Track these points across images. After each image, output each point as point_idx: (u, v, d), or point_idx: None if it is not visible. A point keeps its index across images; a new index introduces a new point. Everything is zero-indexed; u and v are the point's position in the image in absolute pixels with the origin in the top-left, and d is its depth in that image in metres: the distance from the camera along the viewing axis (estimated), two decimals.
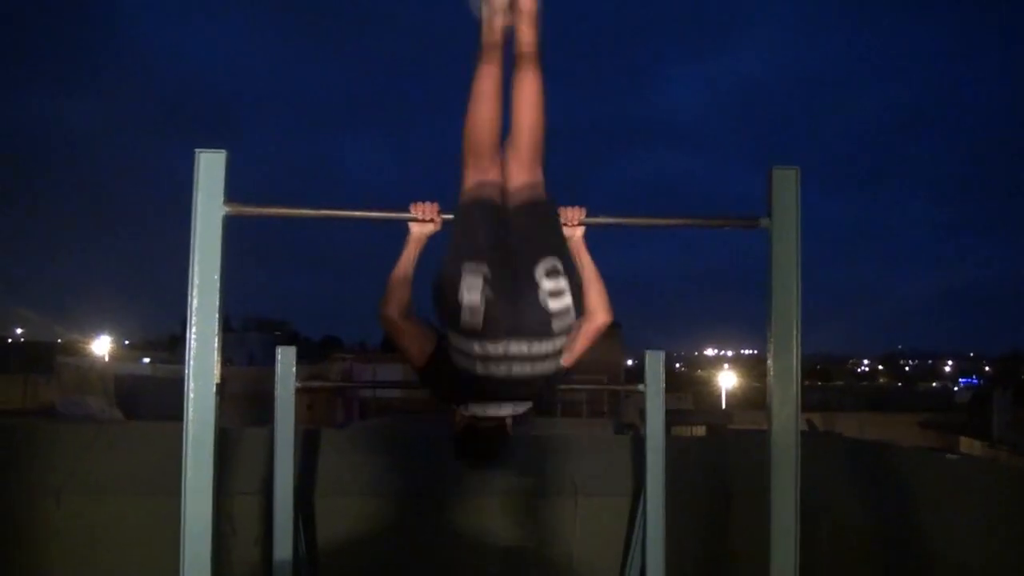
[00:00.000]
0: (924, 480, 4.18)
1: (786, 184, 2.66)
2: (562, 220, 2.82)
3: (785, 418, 2.58)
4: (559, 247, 2.62)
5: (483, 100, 2.65)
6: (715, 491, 4.72)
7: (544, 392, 2.77)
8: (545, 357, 2.56)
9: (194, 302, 2.43)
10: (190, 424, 2.44)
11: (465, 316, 2.43)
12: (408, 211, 2.79)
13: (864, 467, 4.73)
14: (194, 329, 2.44)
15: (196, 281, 2.43)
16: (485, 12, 2.80)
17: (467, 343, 2.50)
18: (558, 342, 2.57)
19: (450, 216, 2.74)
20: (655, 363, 3.95)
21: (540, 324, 2.49)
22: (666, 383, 4.03)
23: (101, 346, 42.45)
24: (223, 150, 2.49)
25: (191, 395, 2.42)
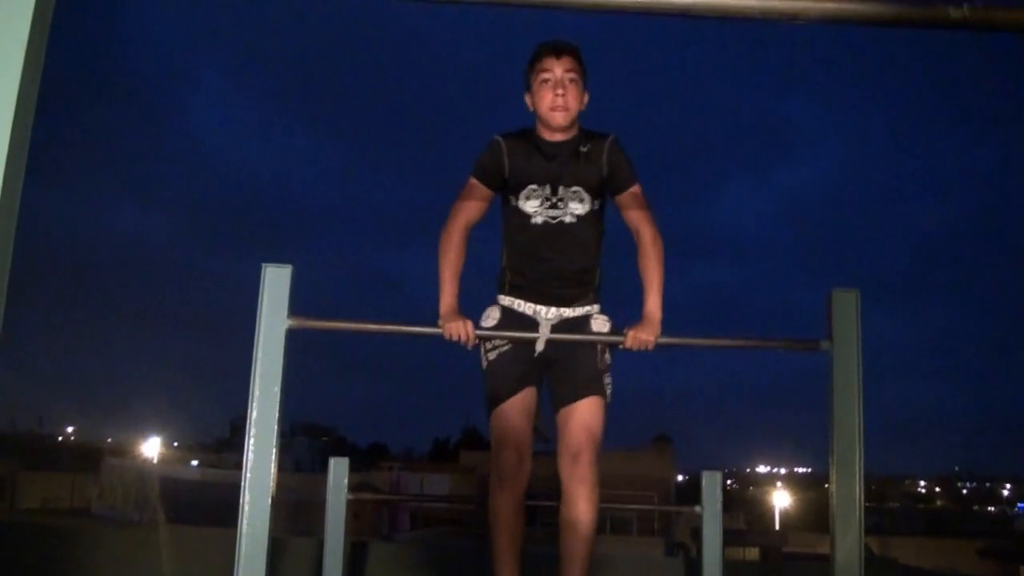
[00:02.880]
0: None
1: (847, 306, 2.62)
2: (629, 345, 2.82)
3: (848, 547, 2.50)
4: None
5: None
6: None
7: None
8: None
9: (253, 414, 2.44)
10: (243, 537, 2.42)
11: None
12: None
13: None
14: (252, 441, 2.43)
15: (256, 393, 2.45)
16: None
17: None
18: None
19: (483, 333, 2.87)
20: (712, 484, 3.87)
21: None
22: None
23: (151, 448, 42.69)
24: (289, 265, 2.53)
25: (246, 507, 2.41)
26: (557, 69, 2.86)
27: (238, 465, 2.48)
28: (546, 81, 2.86)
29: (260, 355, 2.47)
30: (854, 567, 2.48)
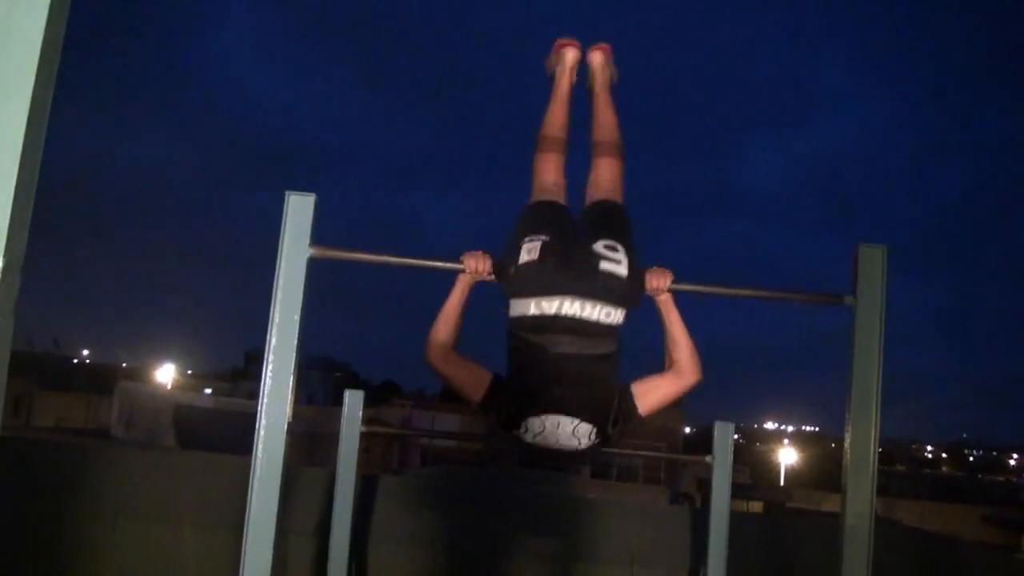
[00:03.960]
0: None
1: (872, 263, 2.59)
2: (647, 285, 2.78)
3: (861, 500, 2.50)
4: (621, 234, 2.84)
5: (548, 166, 3.08)
6: (774, 572, 4.59)
7: (602, 409, 2.66)
8: (597, 331, 2.69)
9: (272, 340, 2.44)
10: (258, 461, 2.44)
11: (521, 264, 2.68)
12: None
13: (930, 560, 4.58)
14: (270, 367, 2.44)
15: (276, 320, 2.44)
16: (556, 71, 3.21)
17: (523, 304, 2.69)
18: (610, 313, 2.70)
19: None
20: (724, 435, 3.86)
21: (592, 284, 2.67)
22: None
23: (165, 374, 43.06)
24: (312, 194, 2.51)
25: (262, 432, 2.42)
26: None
27: (251, 395, 2.50)
28: None
29: (281, 283, 2.47)
30: (864, 521, 2.48)
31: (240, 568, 2.45)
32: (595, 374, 2.69)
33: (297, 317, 2.46)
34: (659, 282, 2.75)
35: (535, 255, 2.70)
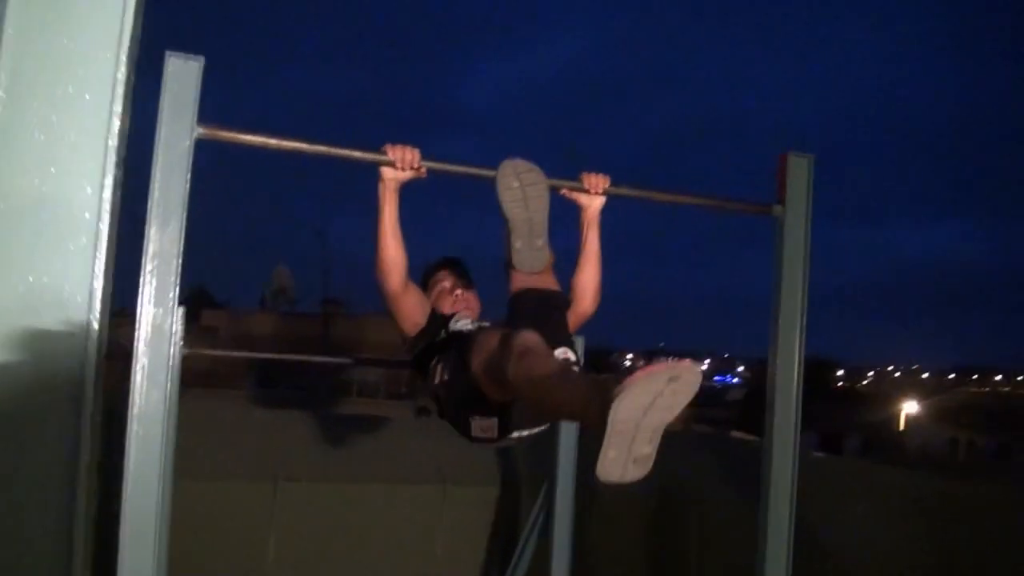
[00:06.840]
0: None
1: (800, 171, 2.56)
2: (585, 186, 2.55)
3: (786, 415, 2.48)
4: (570, 338, 2.56)
5: None
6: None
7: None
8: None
9: (152, 224, 1.90)
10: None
11: (476, 433, 2.35)
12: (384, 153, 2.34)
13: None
14: (150, 273, 1.91)
15: (157, 198, 1.90)
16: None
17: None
18: None
19: (432, 165, 2.40)
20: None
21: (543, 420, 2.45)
22: None
23: None
24: (200, 57, 1.97)
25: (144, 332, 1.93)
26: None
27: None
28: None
29: (159, 172, 1.92)
30: (790, 435, 2.45)
31: None
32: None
33: (182, 209, 1.94)
34: (597, 182, 2.54)
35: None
